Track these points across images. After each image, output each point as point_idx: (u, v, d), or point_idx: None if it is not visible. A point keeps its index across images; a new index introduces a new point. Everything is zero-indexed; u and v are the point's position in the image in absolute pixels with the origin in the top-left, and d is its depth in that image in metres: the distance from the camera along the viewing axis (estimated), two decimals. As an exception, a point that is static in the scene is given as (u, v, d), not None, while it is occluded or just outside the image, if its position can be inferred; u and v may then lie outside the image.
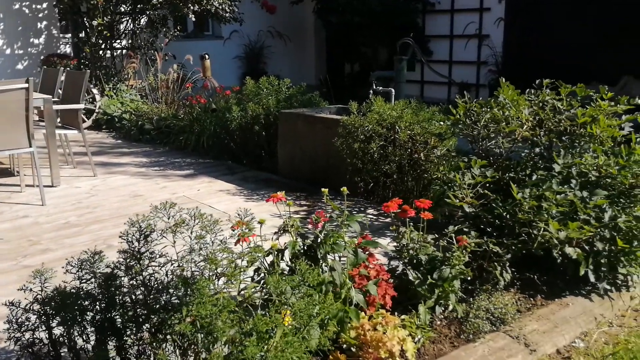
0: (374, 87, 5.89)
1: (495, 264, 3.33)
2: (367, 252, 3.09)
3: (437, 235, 3.40)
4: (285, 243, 2.78)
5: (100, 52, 9.43)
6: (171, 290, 1.95)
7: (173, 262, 2.23)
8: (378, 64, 12.50)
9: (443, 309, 3.18)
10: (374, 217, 4.57)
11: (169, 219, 2.29)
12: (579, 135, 3.91)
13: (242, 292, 2.30)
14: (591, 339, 3.08)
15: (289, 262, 2.85)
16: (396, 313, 3.12)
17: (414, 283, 3.12)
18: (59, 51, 10.01)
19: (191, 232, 2.20)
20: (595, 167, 3.64)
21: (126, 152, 7.18)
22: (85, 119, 8.76)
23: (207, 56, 9.17)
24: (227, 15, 9.85)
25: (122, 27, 9.85)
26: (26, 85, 4.60)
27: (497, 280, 3.32)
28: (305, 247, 2.84)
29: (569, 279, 3.48)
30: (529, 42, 10.75)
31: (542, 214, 3.33)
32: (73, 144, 6.81)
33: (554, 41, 10.19)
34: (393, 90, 5.75)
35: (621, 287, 3.49)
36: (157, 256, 2.08)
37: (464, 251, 3.17)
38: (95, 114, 8.77)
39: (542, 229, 3.28)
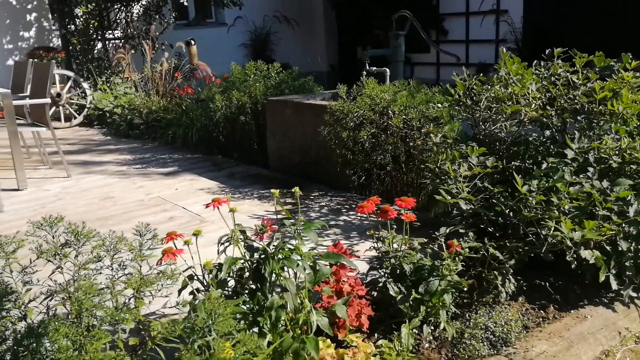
0: (367, 68, 5.30)
1: (496, 272, 2.77)
2: (339, 262, 2.56)
3: (426, 240, 2.85)
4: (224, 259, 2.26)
5: (91, 43, 8.93)
6: (21, 342, 1.44)
7: (55, 294, 1.72)
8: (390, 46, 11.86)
9: (432, 328, 2.65)
10: (365, 216, 4.02)
11: (53, 238, 1.78)
12: (597, 114, 3.30)
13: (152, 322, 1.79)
14: (614, 360, 2.54)
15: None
16: (376, 335, 2.61)
17: (396, 299, 2.59)
18: (50, 44, 9.57)
19: (76, 257, 1.68)
20: (617, 152, 3.04)
21: (112, 149, 6.70)
22: (77, 115, 8.33)
23: (192, 41, 8.57)
24: (224, -1, 9.30)
25: (113, 16, 9.32)
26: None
27: (499, 292, 2.77)
28: (255, 263, 2.31)
29: (588, 284, 2.92)
30: (550, 15, 10.00)
31: (553, 210, 2.75)
32: (59, 142, 6.32)
33: (578, 13, 9.45)
34: (388, 71, 5.14)
35: (651, 293, 2.92)
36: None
37: (456, 258, 2.62)
38: (86, 110, 8.32)
39: (553, 229, 2.70)
